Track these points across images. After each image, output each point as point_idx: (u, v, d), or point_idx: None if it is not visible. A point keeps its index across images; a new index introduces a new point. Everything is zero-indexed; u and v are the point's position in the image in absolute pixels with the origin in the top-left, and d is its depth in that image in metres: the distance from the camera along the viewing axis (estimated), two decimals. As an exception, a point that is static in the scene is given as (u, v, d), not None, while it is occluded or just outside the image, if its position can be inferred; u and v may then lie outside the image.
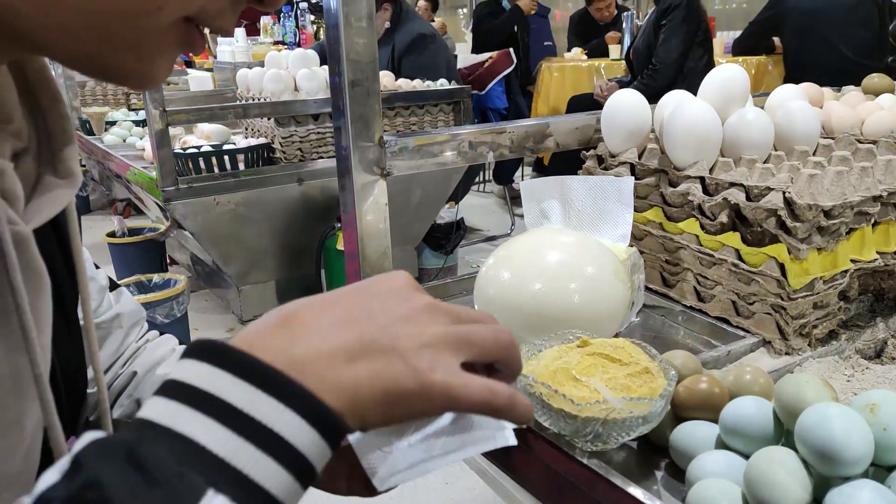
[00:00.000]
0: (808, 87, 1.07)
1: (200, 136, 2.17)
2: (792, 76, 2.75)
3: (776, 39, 3.23)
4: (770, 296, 0.72)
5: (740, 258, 0.75)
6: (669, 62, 2.76)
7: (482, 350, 0.32)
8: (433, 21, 4.07)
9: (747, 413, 0.51)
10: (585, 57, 3.93)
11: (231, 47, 3.61)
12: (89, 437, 0.25)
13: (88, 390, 0.47)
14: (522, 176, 3.89)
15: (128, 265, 2.41)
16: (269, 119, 2.07)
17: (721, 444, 0.52)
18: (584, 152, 0.96)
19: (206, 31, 0.33)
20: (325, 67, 2.16)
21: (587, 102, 3.13)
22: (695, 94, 0.88)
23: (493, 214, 3.71)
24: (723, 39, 3.81)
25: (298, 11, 4.60)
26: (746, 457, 0.48)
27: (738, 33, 3.49)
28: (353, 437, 0.34)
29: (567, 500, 0.55)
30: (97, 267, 0.54)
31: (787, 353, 0.71)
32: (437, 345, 0.30)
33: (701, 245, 0.79)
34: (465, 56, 3.56)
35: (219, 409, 0.26)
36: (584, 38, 4.15)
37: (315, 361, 0.28)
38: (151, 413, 0.26)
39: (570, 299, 0.67)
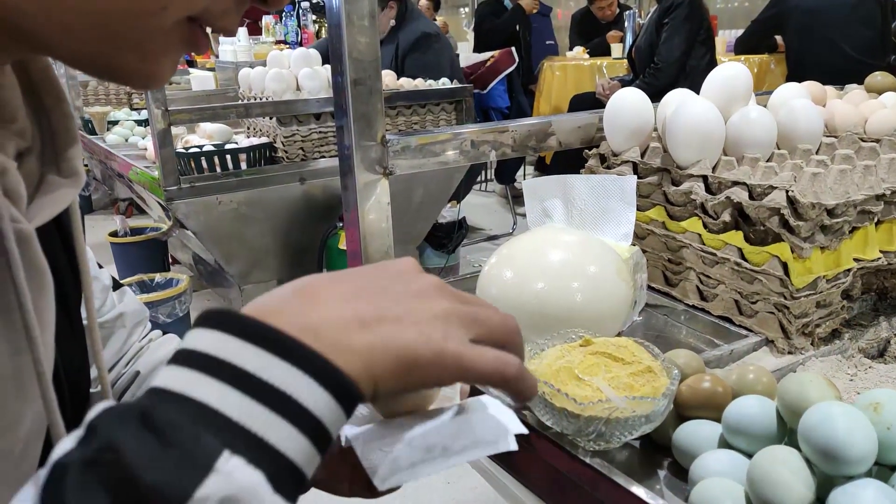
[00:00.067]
0: (810, 86, 1.06)
1: (202, 136, 2.17)
2: (794, 75, 2.75)
3: (779, 38, 3.22)
4: (773, 295, 0.72)
5: (743, 257, 0.75)
6: (672, 61, 2.75)
7: (490, 330, 0.32)
8: (435, 20, 4.07)
9: (750, 412, 0.50)
10: (587, 56, 3.92)
11: (233, 47, 3.61)
12: (102, 405, 0.25)
13: (91, 390, 0.47)
14: (524, 175, 3.88)
15: (130, 265, 2.41)
16: (271, 118, 2.07)
17: (724, 444, 0.52)
18: (587, 151, 0.96)
19: (209, 30, 0.33)
20: (328, 67, 2.16)
21: (589, 101, 3.12)
22: (697, 92, 0.88)
23: (495, 214, 3.70)
24: (725, 38, 3.80)
25: (300, 11, 4.60)
26: (749, 456, 0.48)
27: (740, 32, 3.48)
28: (353, 435, 0.34)
29: (570, 499, 0.55)
30: (100, 266, 0.54)
31: (789, 353, 0.71)
32: (448, 318, 0.30)
33: (703, 244, 0.79)
34: (466, 55, 3.55)
35: (232, 374, 0.25)
36: (586, 37, 4.14)
37: (328, 327, 0.28)
38: (164, 381, 0.26)
39: (572, 298, 0.67)
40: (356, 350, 0.28)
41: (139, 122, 2.53)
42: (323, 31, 4.61)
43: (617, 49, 3.81)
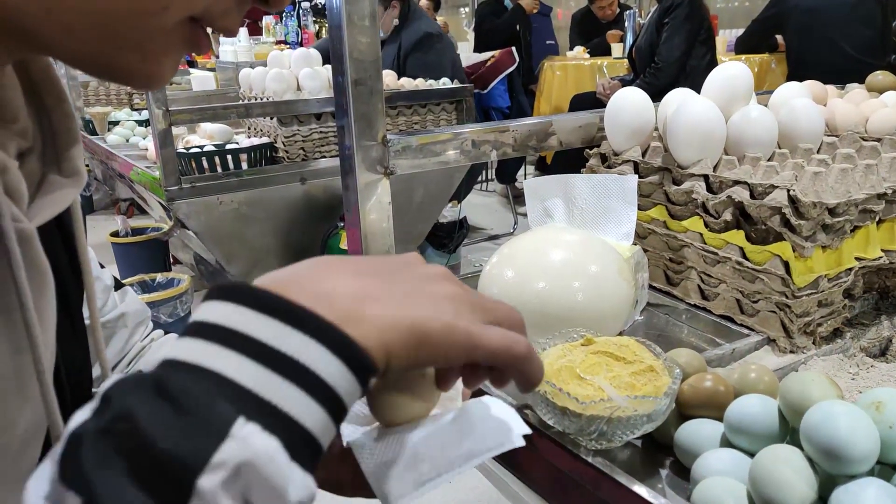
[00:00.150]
0: (811, 85, 1.06)
1: (203, 136, 2.17)
2: (795, 74, 2.74)
3: (779, 37, 3.22)
4: (774, 294, 0.72)
5: (744, 256, 0.75)
6: (672, 60, 2.75)
7: (497, 318, 0.32)
8: (435, 20, 4.07)
9: (752, 411, 0.50)
10: (588, 55, 3.92)
11: (233, 47, 3.61)
12: (115, 377, 0.25)
13: (94, 389, 0.47)
14: (525, 175, 3.88)
15: (131, 265, 2.41)
16: (271, 118, 2.07)
17: (726, 443, 0.52)
18: (588, 151, 0.96)
19: (210, 31, 0.33)
20: (328, 67, 2.16)
21: (590, 101, 3.12)
22: (698, 92, 0.88)
23: (496, 213, 3.70)
24: (725, 38, 3.80)
25: (301, 11, 4.60)
26: (751, 455, 0.48)
27: (740, 31, 3.48)
28: (357, 445, 0.34)
29: (571, 498, 0.55)
30: (102, 266, 0.54)
31: (791, 352, 0.71)
32: (457, 300, 0.31)
33: (705, 243, 0.79)
34: (467, 55, 3.55)
35: (246, 344, 0.25)
36: (586, 37, 4.14)
37: (340, 298, 0.28)
38: (177, 352, 0.26)
39: (573, 298, 0.67)
40: (369, 321, 0.28)
41: (140, 123, 2.53)
42: (323, 32, 4.61)
43: (617, 49, 3.81)
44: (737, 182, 0.76)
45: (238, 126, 2.38)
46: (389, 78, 2.31)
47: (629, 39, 3.62)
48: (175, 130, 1.91)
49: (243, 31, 3.58)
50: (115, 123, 2.57)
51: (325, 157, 2.11)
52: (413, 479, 0.31)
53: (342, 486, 0.39)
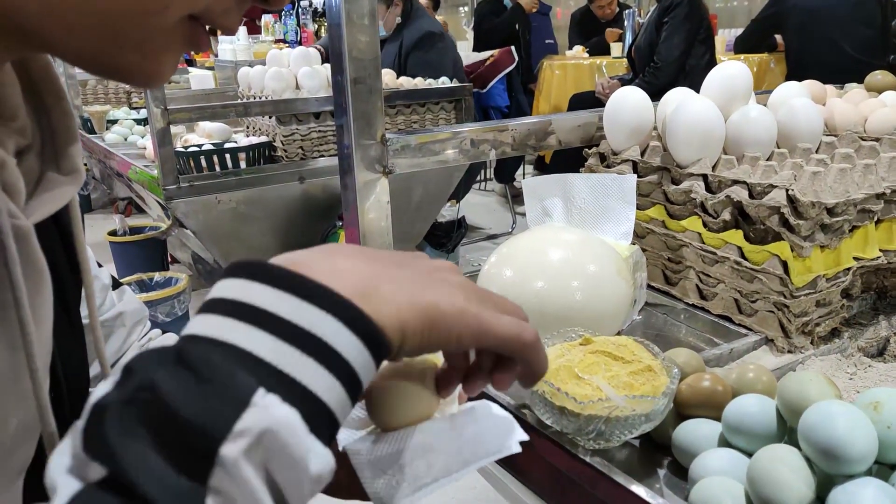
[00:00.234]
0: (810, 85, 1.07)
1: (202, 135, 2.16)
2: (794, 74, 2.74)
3: (778, 37, 3.22)
4: (773, 294, 0.72)
5: (743, 256, 0.75)
6: (671, 60, 2.75)
7: (504, 311, 0.32)
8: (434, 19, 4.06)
9: (750, 411, 0.50)
10: (587, 55, 3.92)
11: (232, 45, 3.61)
12: (136, 352, 0.25)
13: (91, 389, 0.47)
14: (524, 174, 3.88)
15: (129, 264, 2.41)
16: (270, 117, 2.07)
17: (724, 442, 0.52)
18: (587, 150, 0.96)
19: (209, 29, 0.33)
20: (327, 65, 2.16)
21: (589, 100, 3.12)
22: (697, 92, 0.88)
23: (495, 213, 3.70)
24: (724, 37, 3.79)
25: (300, 10, 4.60)
26: (749, 455, 0.48)
27: (739, 31, 3.48)
28: (353, 451, 0.34)
29: (569, 498, 0.55)
30: (100, 265, 0.54)
31: (789, 351, 0.71)
32: (467, 289, 0.31)
33: (703, 243, 0.79)
34: (466, 54, 3.55)
35: (263, 318, 0.26)
36: (585, 36, 4.14)
37: (356, 277, 0.28)
38: (195, 328, 0.26)
39: (572, 297, 0.67)
40: (384, 300, 0.28)
41: (138, 121, 2.52)
42: (322, 31, 4.61)
43: (616, 48, 3.81)
44: (735, 182, 0.76)
45: (237, 125, 2.38)
46: (388, 77, 2.31)
47: (628, 39, 3.62)
48: (173, 129, 1.90)
49: (242, 29, 3.58)
50: (114, 122, 2.56)
51: (323, 156, 2.10)
52: (409, 484, 0.31)
53: (338, 489, 0.39)
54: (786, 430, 0.50)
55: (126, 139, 2.40)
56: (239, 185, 1.89)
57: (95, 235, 2.79)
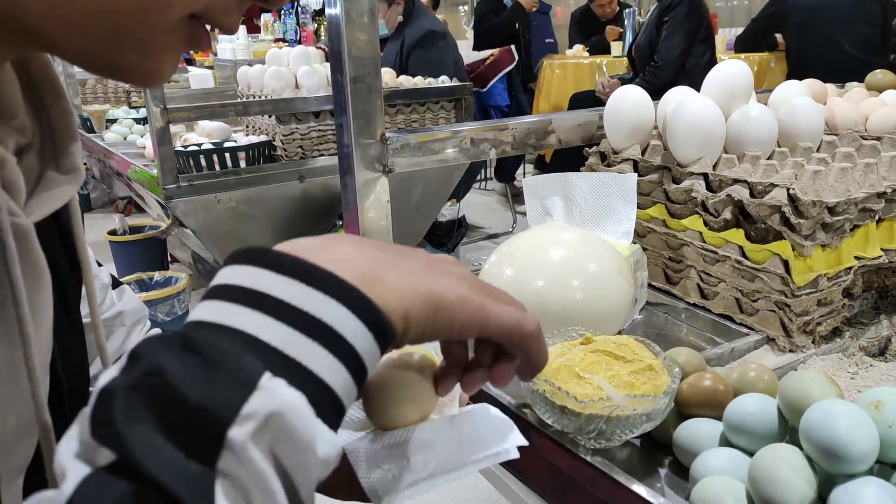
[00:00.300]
0: (811, 84, 1.06)
1: (201, 134, 2.16)
2: (795, 73, 2.74)
3: (779, 36, 3.22)
4: (774, 293, 0.72)
5: (744, 255, 0.75)
6: (671, 59, 2.75)
7: (505, 303, 0.33)
8: (434, 18, 4.06)
9: (751, 410, 0.50)
10: (587, 54, 3.92)
11: (232, 45, 3.61)
12: (142, 338, 0.25)
13: (91, 388, 0.47)
14: (524, 173, 3.88)
15: (129, 263, 2.41)
16: (270, 116, 2.07)
17: (725, 442, 0.52)
18: (587, 149, 0.96)
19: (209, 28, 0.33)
20: (327, 64, 2.16)
21: (589, 100, 3.12)
22: (697, 91, 0.88)
23: (495, 212, 3.70)
24: (725, 36, 3.79)
25: (299, 9, 4.60)
26: (751, 454, 0.48)
27: (740, 30, 3.48)
28: (351, 449, 0.33)
29: (570, 497, 0.55)
30: (99, 265, 0.54)
31: (790, 351, 0.71)
32: (469, 280, 0.32)
33: (704, 242, 0.79)
34: (466, 53, 3.55)
35: (269, 304, 0.26)
36: (585, 35, 4.14)
37: (360, 264, 0.28)
38: (201, 314, 0.26)
39: (572, 296, 0.67)
40: (388, 286, 0.28)
41: (138, 121, 2.52)
42: (322, 30, 4.60)
43: (617, 47, 3.81)
44: (736, 181, 0.76)
45: (236, 124, 2.38)
46: (388, 76, 2.30)
47: (628, 38, 3.62)
48: (173, 128, 1.90)
49: (241, 28, 3.58)
50: (113, 121, 2.56)
51: (323, 155, 2.10)
52: (406, 479, 0.31)
53: (336, 490, 0.39)
54: (787, 429, 0.50)
55: (125, 138, 2.40)
56: (238, 184, 1.89)
57: (95, 235, 2.79)
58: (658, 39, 2.78)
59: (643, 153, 0.88)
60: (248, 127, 2.30)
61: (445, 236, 2.61)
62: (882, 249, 0.77)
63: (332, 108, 0.81)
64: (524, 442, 0.34)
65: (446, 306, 0.29)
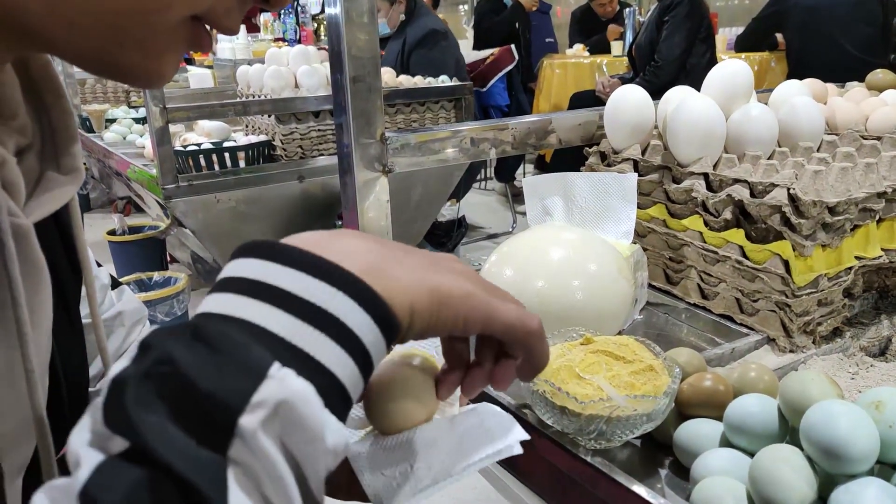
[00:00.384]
0: (811, 83, 1.06)
1: (201, 134, 2.16)
2: (795, 72, 2.74)
3: (779, 36, 3.22)
4: (774, 293, 0.71)
5: (744, 255, 0.75)
6: (672, 59, 2.75)
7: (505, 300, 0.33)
8: (434, 18, 4.05)
9: (752, 410, 0.50)
10: (587, 53, 3.92)
11: (231, 44, 3.60)
12: (151, 328, 0.25)
13: (91, 388, 0.47)
14: (524, 173, 3.88)
15: (128, 263, 2.41)
16: (269, 116, 2.06)
17: (725, 442, 0.52)
18: (587, 149, 0.96)
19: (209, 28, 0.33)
20: (326, 64, 2.15)
21: (589, 99, 3.12)
22: (697, 90, 0.88)
23: (495, 212, 3.70)
24: (725, 36, 3.79)
25: (299, 8, 4.59)
26: (751, 455, 0.48)
27: (740, 29, 3.48)
28: (352, 454, 0.33)
29: (571, 498, 0.55)
30: (99, 265, 0.54)
31: (791, 351, 0.71)
32: (473, 277, 0.32)
33: (705, 242, 0.79)
34: (466, 53, 3.55)
35: (276, 295, 0.26)
36: (586, 35, 4.14)
37: (365, 257, 0.28)
38: (209, 306, 0.26)
39: (573, 296, 0.67)
40: (394, 279, 0.28)
41: (137, 120, 2.52)
42: (322, 30, 4.60)
43: (617, 47, 3.81)
44: (737, 180, 0.76)
45: (236, 124, 2.37)
46: (388, 75, 2.30)
47: (629, 37, 3.62)
48: (172, 128, 1.90)
49: (241, 28, 3.57)
50: (113, 121, 2.56)
51: (323, 154, 2.10)
52: (409, 487, 0.31)
53: (337, 491, 0.39)
54: (787, 429, 0.50)
55: (125, 138, 2.40)
56: (238, 184, 1.89)
57: (95, 235, 2.79)
58: (658, 39, 2.78)
59: (643, 153, 0.87)
60: (247, 126, 2.30)
61: (445, 236, 2.61)
62: (882, 249, 0.77)
63: (332, 107, 0.81)
64: (526, 436, 0.33)
65: (451, 301, 0.29)
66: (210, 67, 3.67)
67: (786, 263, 0.71)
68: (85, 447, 0.22)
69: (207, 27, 0.33)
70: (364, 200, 0.80)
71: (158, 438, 0.22)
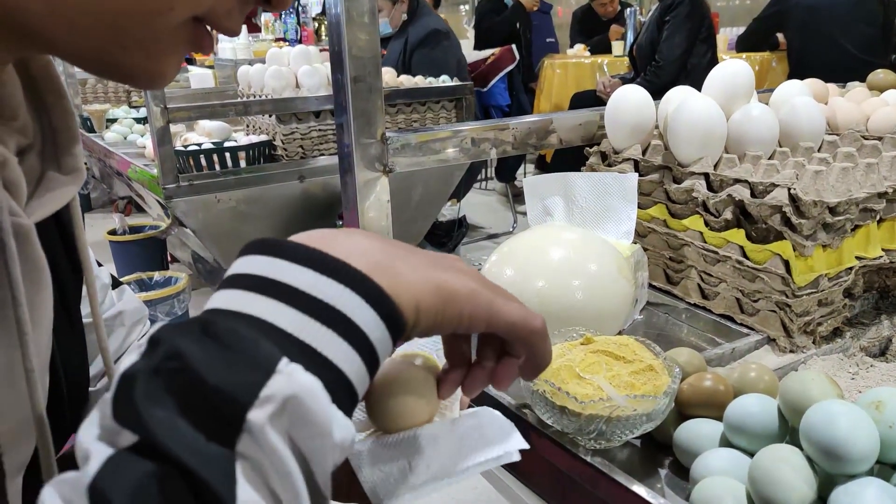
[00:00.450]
0: (812, 84, 1.06)
1: (201, 134, 2.16)
2: (796, 72, 2.74)
3: (780, 36, 3.21)
4: (774, 293, 0.71)
5: (745, 255, 0.75)
6: (673, 59, 2.75)
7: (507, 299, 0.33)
8: (434, 18, 4.05)
9: (752, 411, 0.50)
10: (588, 53, 3.92)
11: (232, 44, 3.61)
12: (159, 323, 0.26)
13: (91, 388, 0.47)
14: (525, 173, 3.88)
15: (129, 263, 2.41)
16: (270, 116, 2.07)
17: (725, 442, 0.52)
18: (588, 149, 0.95)
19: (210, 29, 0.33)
20: (327, 64, 2.15)
21: (590, 99, 3.12)
22: (698, 90, 0.88)
23: (495, 212, 3.70)
24: (726, 36, 3.79)
25: (300, 8, 4.60)
26: (751, 455, 0.48)
27: (741, 30, 3.47)
28: (353, 453, 0.33)
29: (570, 498, 0.55)
30: (99, 265, 0.54)
31: (791, 351, 0.71)
32: (477, 276, 0.32)
33: (705, 242, 0.79)
34: (467, 53, 3.54)
35: (284, 292, 0.26)
36: (587, 34, 4.14)
37: (372, 255, 0.29)
38: (217, 302, 0.26)
39: (573, 296, 0.67)
40: (400, 276, 0.28)
41: (138, 120, 2.52)
42: (322, 29, 4.60)
43: (618, 47, 3.81)
44: (737, 180, 0.76)
45: (236, 124, 2.37)
46: (389, 75, 2.30)
47: (630, 37, 3.62)
48: (173, 128, 1.90)
49: (242, 28, 3.57)
50: (113, 121, 2.56)
51: (323, 154, 2.10)
52: (407, 484, 0.31)
53: (337, 491, 0.39)
54: (787, 429, 0.50)
55: (126, 138, 2.40)
56: (239, 184, 1.89)
57: (95, 235, 2.79)
58: (659, 39, 2.78)
59: (644, 153, 0.87)
60: (248, 126, 2.30)
61: (446, 236, 2.61)
62: (883, 249, 0.77)
63: (333, 107, 0.81)
64: (525, 445, 0.33)
65: (456, 299, 0.29)
66: (211, 67, 3.67)
67: (786, 263, 0.71)
68: (94, 441, 0.22)
69: (208, 28, 0.33)
70: (364, 200, 0.80)
71: (167, 433, 0.22)
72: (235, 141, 2.09)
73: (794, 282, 0.70)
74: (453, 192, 2.48)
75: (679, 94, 0.88)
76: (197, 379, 0.23)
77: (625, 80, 2.99)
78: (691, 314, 0.80)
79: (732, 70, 0.86)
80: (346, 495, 0.39)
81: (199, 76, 3.24)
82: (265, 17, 4.74)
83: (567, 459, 0.53)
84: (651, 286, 0.84)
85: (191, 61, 4.17)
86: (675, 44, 2.74)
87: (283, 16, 4.75)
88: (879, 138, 0.89)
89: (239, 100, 2.27)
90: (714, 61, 2.77)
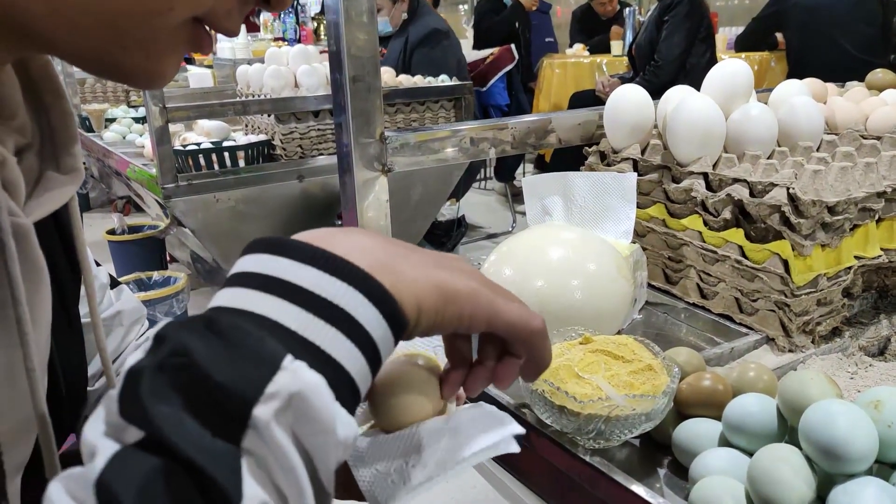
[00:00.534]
0: (811, 83, 1.06)
1: (200, 133, 2.16)
2: (795, 72, 2.74)
3: (779, 35, 3.22)
4: (773, 293, 0.71)
5: (744, 255, 0.75)
6: (672, 58, 2.75)
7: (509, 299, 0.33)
8: (434, 17, 4.05)
9: (751, 410, 0.50)
10: (587, 53, 3.92)
11: (231, 44, 3.60)
12: (164, 321, 0.26)
13: (89, 388, 0.47)
14: (524, 173, 3.88)
15: (128, 263, 2.40)
16: (269, 115, 2.06)
17: (724, 442, 0.52)
18: (587, 148, 0.96)
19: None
20: (326, 63, 2.15)
21: (589, 99, 3.12)
22: (697, 90, 0.88)
23: (495, 212, 3.70)
24: (725, 35, 3.79)
25: (299, 7, 4.59)
26: (750, 454, 0.48)
27: (740, 29, 3.48)
28: (350, 453, 0.33)
29: (569, 498, 0.55)
30: (98, 264, 0.54)
31: (790, 351, 0.71)
32: (478, 276, 0.32)
33: (704, 241, 0.79)
34: (466, 52, 3.54)
35: (288, 290, 0.26)
36: (586, 34, 4.14)
37: (374, 254, 0.29)
38: (222, 301, 0.26)
39: (572, 296, 0.67)
40: (402, 275, 0.29)
41: (137, 120, 2.52)
42: (322, 29, 4.60)
43: (617, 47, 3.81)
44: (736, 180, 0.76)
45: (235, 123, 2.37)
46: (388, 75, 2.30)
47: (629, 37, 3.62)
48: (172, 127, 1.90)
49: (241, 28, 3.57)
50: (112, 120, 2.56)
51: (322, 154, 2.10)
52: (405, 485, 0.31)
53: (336, 495, 0.39)
54: (786, 429, 0.50)
55: (124, 137, 2.40)
56: (238, 183, 1.89)
57: (94, 234, 2.79)
58: (658, 39, 2.78)
59: (643, 152, 0.87)
60: (247, 126, 2.30)
61: (445, 236, 2.61)
62: (882, 249, 0.77)
63: (332, 107, 0.81)
64: (521, 430, 0.33)
65: (457, 298, 0.30)
66: (210, 67, 3.67)
67: (785, 263, 0.71)
68: (100, 437, 0.23)
69: (208, 28, 0.33)
70: (363, 200, 0.80)
71: (173, 429, 0.22)
72: (234, 140, 2.08)
73: (793, 281, 0.70)
74: (452, 192, 2.48)
75: (678, 94, 0.88)
76: (202, 375, 0.23)
77: (624, 80, 2.99)
78: (690, 314, 0.80)
79: (731, 70, 0.86)
80: (344, 492, 0.39)
81: (197, 76, 3.23)
82: (264, 17, 4.73)
83: (566, 459, 0.53)
84: (650, 286, 0.84)
85: (190, 61, 4.17)
86: (673, 43, 2.74)
87: (282, 15, 4.75)
88: (878, 138, 0.89)
89: (238, 99, 2.26)
90: (713, 61, 2.77)
